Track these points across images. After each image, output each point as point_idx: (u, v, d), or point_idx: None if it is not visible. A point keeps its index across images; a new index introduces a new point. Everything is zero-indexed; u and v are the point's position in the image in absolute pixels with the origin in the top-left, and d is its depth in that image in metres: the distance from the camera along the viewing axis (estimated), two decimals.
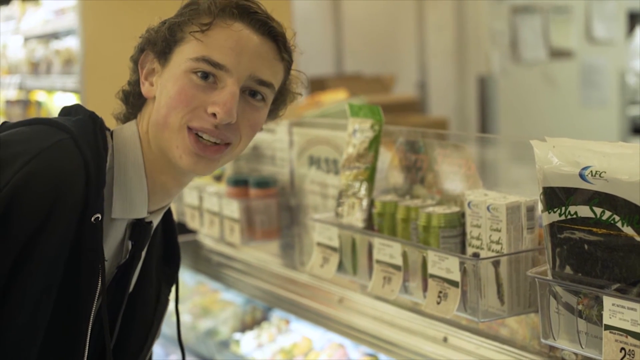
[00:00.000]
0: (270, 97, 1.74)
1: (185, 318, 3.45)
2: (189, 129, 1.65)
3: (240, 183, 2.89)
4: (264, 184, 2.85)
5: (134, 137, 1.71)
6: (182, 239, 3.59)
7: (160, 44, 1.69)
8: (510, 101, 8.00)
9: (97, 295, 1.60)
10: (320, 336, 2.83)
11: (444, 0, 8.27)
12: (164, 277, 1.96)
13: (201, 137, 1.66)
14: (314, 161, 2.68)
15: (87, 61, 4.68)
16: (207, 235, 3.26)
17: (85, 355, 1.62)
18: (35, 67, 6.24)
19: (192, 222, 3.19)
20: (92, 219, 1.54)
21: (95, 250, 1.57)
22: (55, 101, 6.27)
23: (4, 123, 1.66)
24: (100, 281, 1.59)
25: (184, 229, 3.37)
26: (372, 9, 8.81)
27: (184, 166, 1.67)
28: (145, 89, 1.73)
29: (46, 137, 1.53)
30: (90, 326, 1.62)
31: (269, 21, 1.69)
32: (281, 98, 1.80)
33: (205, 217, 3.05)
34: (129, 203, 1.67)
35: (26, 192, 1.45)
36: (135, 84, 1.77)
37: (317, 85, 6.87)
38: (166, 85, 1.67)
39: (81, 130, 1.59)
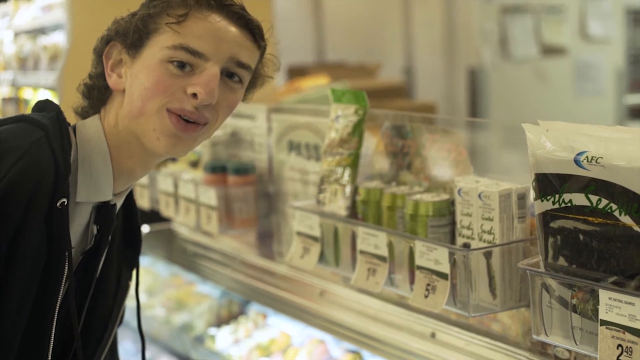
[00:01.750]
0: (247, 79, 1.81)
1: (158, 312, 3.44)
2: (168, 110, 1.70)
3: (218, 169, 2.89)
4: (243, 170, 2.84)
5: (99, 132, 1.77)
6: (155, 227, 3.61)
7: (131, 35, 1.73)
8: (501, 92, 8.12)
9: (63, 282, 1.67)
10: (300, 331, 2.83)
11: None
12: (124, 260, 2.00)
13: (185, 119, 1.71)
14: (293, 147, 2.67)
15: (71, 57, 4.84)
16: (182, 223, 3.25)
17: (51, 342, 1.68)
18: (24, 63, 6.43)
19: (166, 210, 3.18)
20: (58, 204, 1.62)
21: (62, 236, 1.65)
22: (38, 99, 6.39)
23: None
24: (67, 267, 1.66)
25: (157, 217, 3.36)
26: (356, 5, 8.91)
27: (161, 149, 1.73)
28: (112, 81, 1.77)
29: (29, 135, 1.64)
30: (56, 313, 1.68)
31: (245, 14, 1.77)
32: (252, 81, 1.86)
33: (180, 205, 3.04)
34: (93, 187, 1.74)
35: (16, 187, 1.56)
36: (99, 76, 1.81)
37: (297, 72, 6.84)
38: (138, 76, 1.72)
39: (52, 128, 1.68)
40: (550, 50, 8.45)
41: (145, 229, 3.63)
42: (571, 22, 8.55)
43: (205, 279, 3.29)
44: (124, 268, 1.99)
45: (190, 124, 1.71)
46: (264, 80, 1.90)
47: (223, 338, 3.05)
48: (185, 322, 3.27)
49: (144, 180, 3.29)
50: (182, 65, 1.69)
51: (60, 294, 1.68)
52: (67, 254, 1.66)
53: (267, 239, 2.87)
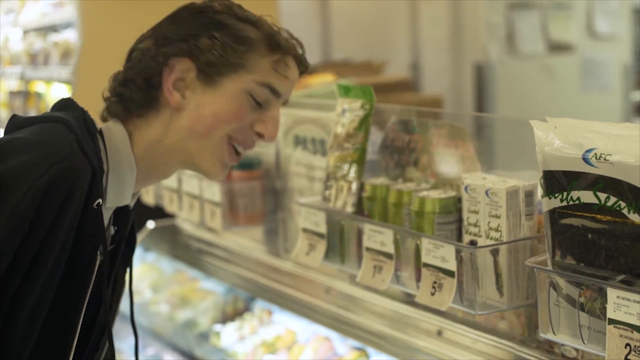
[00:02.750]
0: None
1: (162, 308, 3.45)
2: (229, 138, 1.78)
3: None
4: (248, 165, 2.83)
5: (125, 142, 1.77)
6: (160, 223, 3.62)
7: (204, 64, 1.75)
8: (508, 88, 8.13)
9: (91, 283, 1.70)
10: (305, 328, 2.83)
11: None
12: (122, 257, 1.98)
13: (237, 150, 1.81)
14: (299, 141, 2.67)
15: (84, 53, 4.93)
16: (186, 219, 3.25)
17: (76, 339, 1.70)
18: (34, 59, 6.59)
19: (170, 206, 3.19)
20: (95, 204, 1.65)
21: (97, 236, 1.68)
22: (52, 92, 6.59)
23: (14, 117, 1.75)
24: (97, 264, 1.69)
25: (161, 212, 3.37)
26: (363, 2, 8.95)
27: (211, 174, 1.81)
28: (175, 99, 1.76)
29: (66, 137, 1.65)
30: (83, 312, 1.71)
31: (308, 65, 1.89)
32: None
33: (184, 201, 3.04)
34: (119, 192, 1.77)
35: (53, 187, 1.58)
36: (142, 89, 1.78)
37: None
38: (215, 100, 1.75)
39: (80, 130, 1.68)
40: (557, 47, 8.49)
41: (149, 225, 3.65)
42: (578, 19, 8.59)
43: (210, 275, 3.30)
44: (119, 265, 1.97)
45: (239, 154, 1.82)
46: None
47: (228, 334, 3.06)
48: (190, 319, 3.28)
49: None
50: (259, 103, 1.78)
51: (89, 291, 1.70)
52: (103, 248, 1.69)
53: (274, 236, 2.87)
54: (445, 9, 8.40)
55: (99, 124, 1.80)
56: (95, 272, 1.70)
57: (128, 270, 2.02)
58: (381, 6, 8.80)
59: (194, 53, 1.75)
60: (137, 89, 1.77)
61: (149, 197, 3.34)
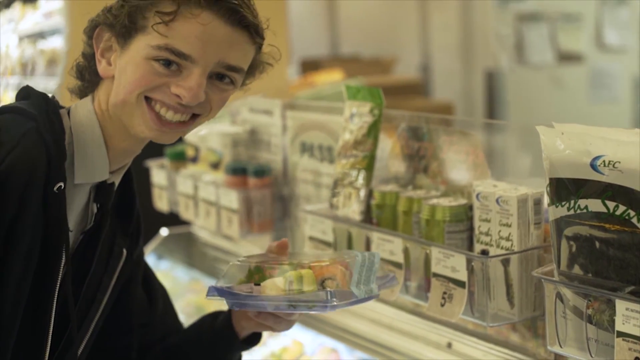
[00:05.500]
0: (240, 79, 1.81)
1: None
2: (147, 99, 1.73)
3: (238, 171, 2.91)
4: (260, 172, 2.86)
5: (90, 115, 1.81)
6: (175, 230, 3.63)
7: (119, 28, 1.76)
8: (518, 96, 8.29)
9: (62, 264, 1.73)
10: (312, 340, 2.84)
11: (448, 1, 8.49)
12: (118, 228, 2.01)
13: (162, 115, 1.74)
14: (306, 148, 2.69)
15: (70, 59, 4.89)
16: (202, 227, 3.26)
17: (52, 322, 1.74)
18: (24, 68, 6.76)
19: (186, 213, 3.21)
20: (55, 188, 1.68)
21: (60, 220, 1.71)
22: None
23: None
24: (64, 250, 1.72)
25: (176, 219, 3.39)
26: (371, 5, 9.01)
27: (148, 138, 1.79)
28: (102, 68, 1.80)
29: (19, 127, 1.68)
30: (56, 294, 1.74)
31: (240, 8, 1.73)
32: (250, 71, 1.86)
33: (200, 208, 3.06)
34: (90, 168, 1.80)
35: (10, 178, 1.62)
36: (90, 58, 1.84)
37: (311, 66, 6.85)
38: (126, 68, 1.75)
39: (41, 115, 1.72)
40: (567, 57, 8.60)
41: (164, 232, 3.67)
42: (587, 31, 8.71)
43: None
44: (118, 236, 2.00)
45: (174, 123, 1.75)
46: (263, 68, 1.89)
47: None
48: None
49: (163, 181, 3.33)
50: (168, 63, 1.70)
51: (60, 276, 1.73)
52: (65, 236, 1.72)
53: None
54: (456, 18, 8.52)
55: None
56: (63, 256, 1.73)
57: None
58: (391, 3, 8.86)
59: (109, 21, 1.77)
60: (87, 68, 1.84)
61: (163, 204, 3.36)
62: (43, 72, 6.04)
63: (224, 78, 1.76)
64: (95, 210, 1.86)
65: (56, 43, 5.91)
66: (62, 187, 1.70)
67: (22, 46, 6.97)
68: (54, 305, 1.74)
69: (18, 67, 6.88)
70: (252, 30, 1.76)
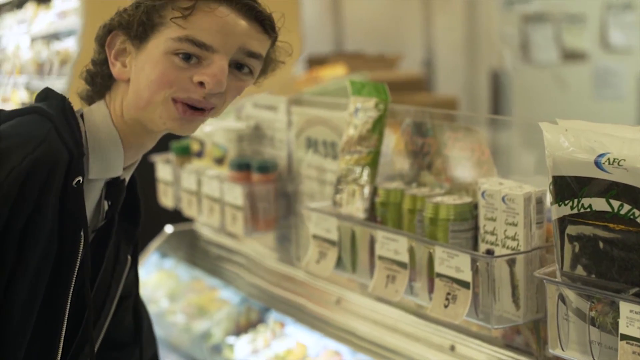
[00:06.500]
0: (258, 68, 1.87)
1: (178, 318, 3.46)
2: (174, 100, 1.78)
3: (243, 167, 2.90)
4: (265, 168, 2.85)
5: (106, 119, 1.87)
6: (178, 227, 3.63)
7: (135, 28, 1.80)
8: (523, 94, 8.50)
9: (79, 258, 1.79)
10: (316, 342, 2.83)
11: (452, 0, 8.57)
12: (123, 234, 2.07)
13: (190, 105, 1.80)
14: (311, 144, 2.67)
15: (82, 57, 5.10)
16: (205, 224, 3.26)
17: (66, 316, 1.80)
18: (41, 68, 6.84)
19: (188, 209, 3.19)
20: (74, 182, 1.74)
21: (78, 214, 1.77)
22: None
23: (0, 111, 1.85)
24: (82, 244, 1.78)
25: (179, 216, 3.38)
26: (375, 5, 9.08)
27: (168, 129, 1.84)
28: (116, 70, 1.85)
29: (41, 126, 1.76)
30: (71, 288, 1.80)
31: (254, 5, 1.82)
32: (263, 68, 1.92)
33: (204, 204, 3.05)
34: (105, 164, 1.86)
35: (31, 174, 1.68)
36: (102, 64, 1.89)
37: (316, 61, 6.91)
38: (144, 67, 1.79)
39: (58, 118, 1.79)
40: (571, 56, 8.73)
41: (167, 229, 3.67)
42: (592, 31, 8.86)
43: (229, 283, 3.30)
44: (122, 242, 2.06)
45: (197, 110, 1.79)
46: (275, 66, 1.96)
47: (241, 347, 3.06)
48: (205, 330, 3.29)
49: (168, 177, 3.33)
50: (187, 57, 1.76)
51: (76, 271, 1.79)
52: (83, 230, 1.78)
53: (287, 242, 2.88)
54: (460, 19, 8.73)
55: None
56: (81, 251, 1.78)
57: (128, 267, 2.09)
58: (395, 6, 8.99)
59: (122, 24, 1.83)
60: (99, 73, 1.90)
61: (168, 200, 3.35)
62: (57, 72, 6.17)
63: (243, 68, 1.83)
64: (106, 207, 1.92)
65: (71, 44, 6.04)
66: (81, 182, 1.75)
67: (36, 46, 7.07)
68: (69, 296, 1.79)
69: (33, 67, 6.98)
70: (267, 25, 1.83)
